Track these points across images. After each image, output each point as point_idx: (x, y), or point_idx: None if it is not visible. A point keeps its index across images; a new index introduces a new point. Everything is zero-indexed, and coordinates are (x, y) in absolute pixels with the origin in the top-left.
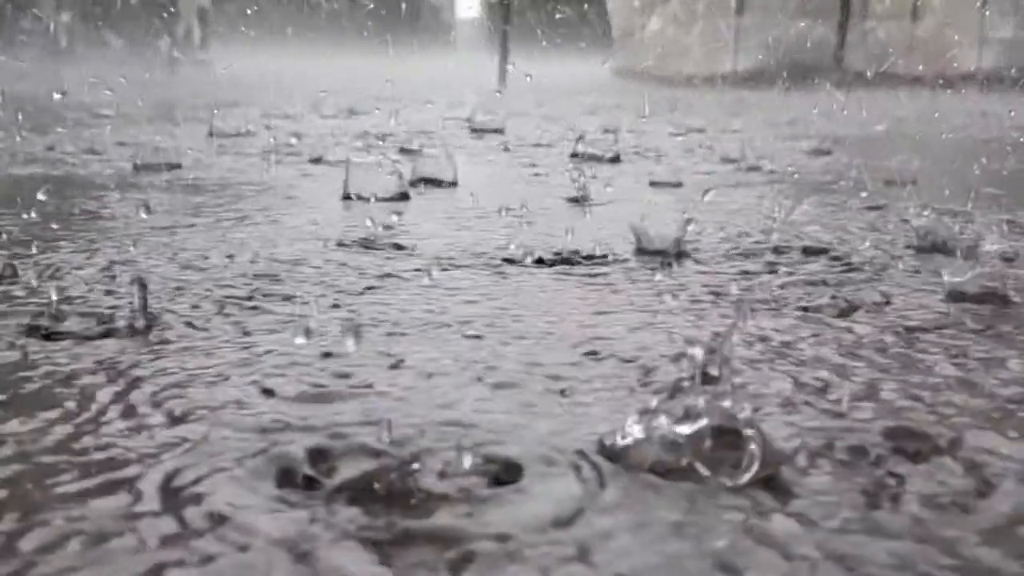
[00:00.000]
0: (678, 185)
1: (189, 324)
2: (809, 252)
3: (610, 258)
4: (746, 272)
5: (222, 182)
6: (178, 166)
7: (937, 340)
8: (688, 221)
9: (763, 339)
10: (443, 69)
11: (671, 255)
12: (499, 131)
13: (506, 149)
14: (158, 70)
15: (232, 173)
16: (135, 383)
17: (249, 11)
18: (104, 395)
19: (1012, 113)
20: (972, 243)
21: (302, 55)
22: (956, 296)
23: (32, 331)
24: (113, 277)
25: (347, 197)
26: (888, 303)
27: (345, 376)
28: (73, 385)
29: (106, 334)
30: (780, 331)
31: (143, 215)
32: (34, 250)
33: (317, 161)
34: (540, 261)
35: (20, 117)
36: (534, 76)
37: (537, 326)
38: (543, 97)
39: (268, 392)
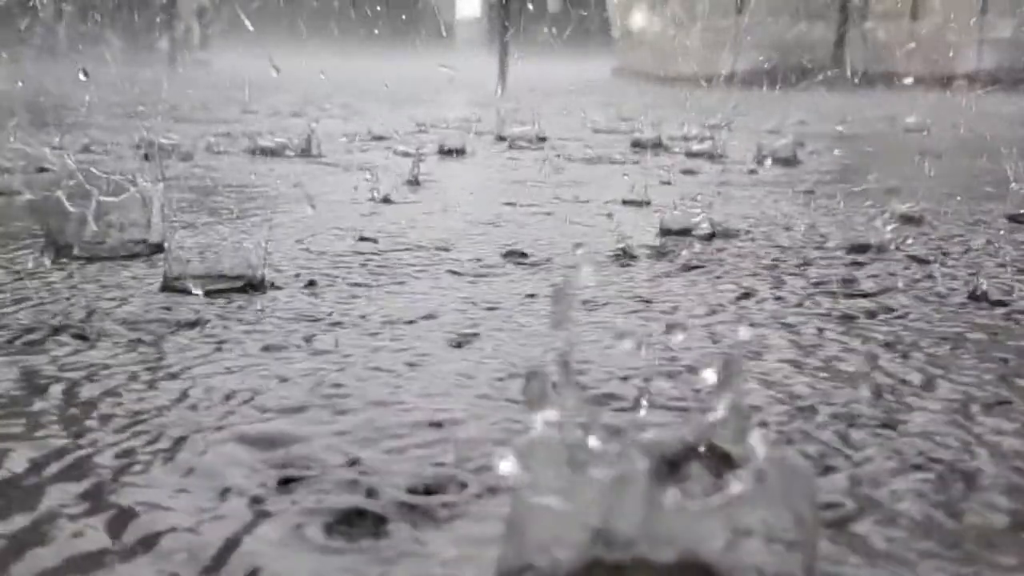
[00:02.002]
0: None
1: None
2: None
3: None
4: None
5: (241, 183)
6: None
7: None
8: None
9: None
10: (443, 70)
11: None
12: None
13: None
14: (158, 69)
15: (241, 174)
16: None
17: (249, 11)
18: None
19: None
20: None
21: (301, 55)
22: None
23: None
24: None
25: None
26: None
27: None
28: None
29: None
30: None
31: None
32: None
33: (320, 160)
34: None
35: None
36: (534, 76)
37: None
38: (545, 98)
39: None
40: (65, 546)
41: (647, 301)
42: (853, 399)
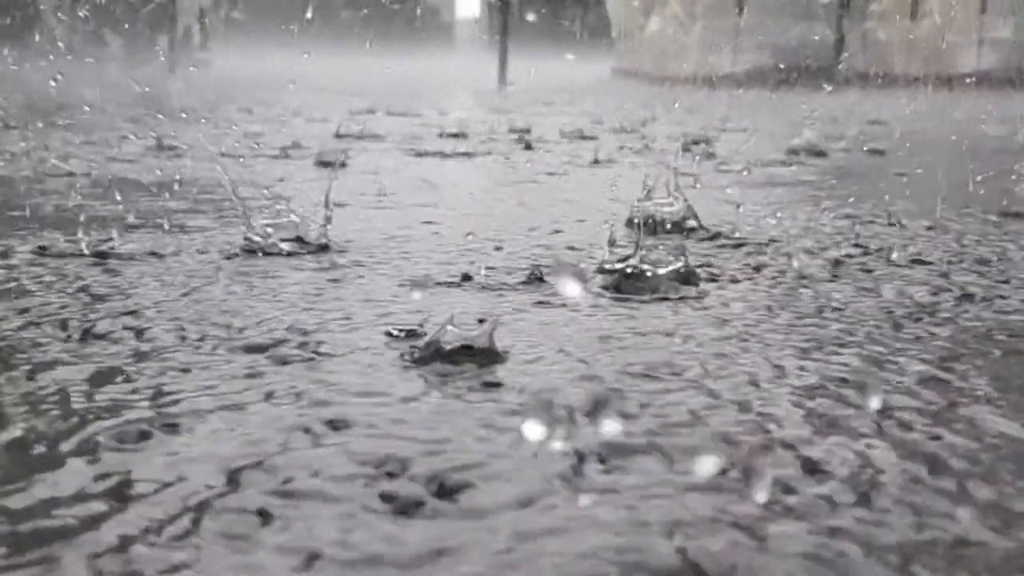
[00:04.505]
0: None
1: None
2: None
3: None
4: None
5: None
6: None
7: None
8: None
9: None
10: (446, 69)
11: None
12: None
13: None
14: (159, 69)
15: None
16: None
17: (249, 11)
18: None
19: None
20: None
21: (301, 55)
22: None
23: None
24: None
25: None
26: None
27: None
28: None
29: None
30: None
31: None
32: None
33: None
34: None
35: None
36: (533, 76)
37: None
38: (544, 98)
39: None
40: None
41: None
42: None
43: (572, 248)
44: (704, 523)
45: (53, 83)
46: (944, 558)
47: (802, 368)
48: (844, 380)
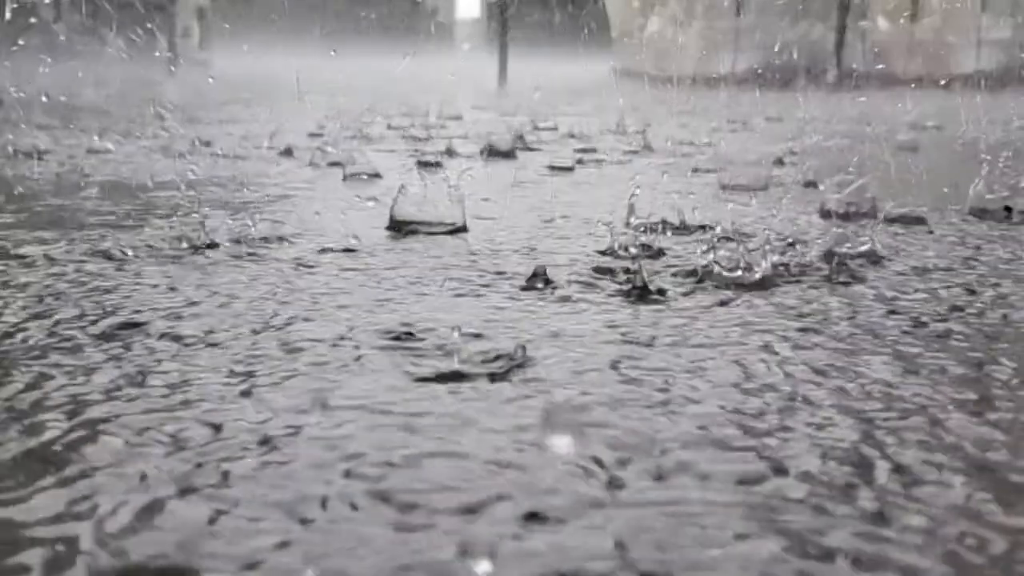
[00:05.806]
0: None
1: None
2: None
3: None
4: None
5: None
6: None
7: None
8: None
9: None
10: (446, 69)
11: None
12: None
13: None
14: (159, 68)
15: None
16: None
17: (247, 11)
18: None
19: None
20: None
21: (301, 55)
22: None
23: None
24: None
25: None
26: None
27: None
28: None
29: None
30: None
31: None
32: None
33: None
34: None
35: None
36: (534, 76)
37: None
38: (545, 98)
39: None
40: None
41: None
42: None
43: (571, 250)
44: None
45: (47, 87)
46: None
47: (834, 369)
48: (876, 380)
